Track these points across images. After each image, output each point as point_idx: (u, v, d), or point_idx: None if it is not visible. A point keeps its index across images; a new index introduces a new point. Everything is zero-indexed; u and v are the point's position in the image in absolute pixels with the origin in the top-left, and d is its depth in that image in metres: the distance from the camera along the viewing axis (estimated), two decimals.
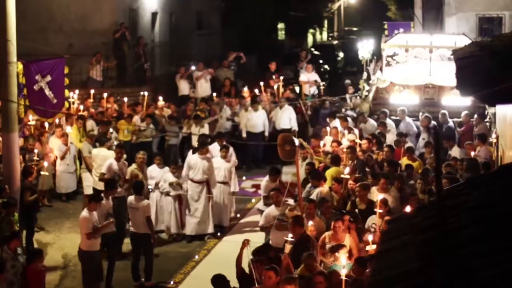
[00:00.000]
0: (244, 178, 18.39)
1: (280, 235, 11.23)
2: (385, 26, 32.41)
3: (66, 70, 14.58)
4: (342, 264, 9.48)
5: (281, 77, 22.49)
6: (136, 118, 18.50)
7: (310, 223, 11.06)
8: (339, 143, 15.39)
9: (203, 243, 14.55)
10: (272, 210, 12.11)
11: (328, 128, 17.06)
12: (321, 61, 33.03)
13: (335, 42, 42.44)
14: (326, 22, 55.18)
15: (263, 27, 38.86)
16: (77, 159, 16.74)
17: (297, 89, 23.56)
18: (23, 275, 10.70)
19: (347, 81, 24.23)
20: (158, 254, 13.48)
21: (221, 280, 9.40)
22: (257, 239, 11.75)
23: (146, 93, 19.71)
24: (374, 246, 9.62)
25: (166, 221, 14.64)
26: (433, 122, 17.21)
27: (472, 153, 14.49)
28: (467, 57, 8.88)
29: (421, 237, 5.21)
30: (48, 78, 13.92)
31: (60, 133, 16.33)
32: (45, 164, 14.11)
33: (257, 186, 15.42)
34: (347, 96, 22.34)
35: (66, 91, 15.15)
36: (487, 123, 17.16)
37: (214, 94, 21.56)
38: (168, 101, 20.65)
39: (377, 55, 21.93)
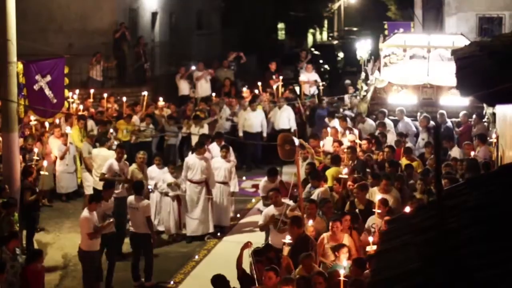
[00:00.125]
0: (244, 178, 18.38)
1: (280, 236, 11.24)
2: (385, 26, 32.46)
3: (66, 70, 14.58)
4: (343, 264, 9.48)
5: (281, 77, 22.46)
6: (135, 118, 18.50)
7: (310, 223, 11.06)
8: (341, 143, 15.39)
9: (203, 243, 14.55)
10: (271, 209, 12.11)
11: (329, 129, 17.04)
12: (321, 61, 33.05)
13: (335, 42, 42.48)
14: (326, 22, 55.21)
15: (263, 27, 38.89)
16: (78, 159, 16.72)
17: (297, 89, 23.56)
18: (23, 275, 10.69)
19: (347, 81, 24.23)
20: (157, 254, 13.47)
21: (221, 280, 9.40)
22: (257, 239, 11.76)
23: (146, 93, 19.71)
24: (375, 247, 9.62)
25: (165, 222, 14.64)
26: (432, 122, 17.20)
27: (472, 153, 14.48)
28: (467, 57, 8.88)
29: (421, 237, 5.21)
30: (48, 78, 13.92)
31: (59, 133, 16.33)
32: (45, 163, 14.10)
33: (257, 186, 15.41)
34: (346, 96, 22.32)
35: (66, 91, 15.15)
36: (485, 123, 17.15)
37: (213, 94, 21.55)
38: (168, 101, 20.64)
39: (375, 55, 21.89)
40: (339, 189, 12.85)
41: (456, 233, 4.90)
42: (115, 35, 23.08)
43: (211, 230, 14.74)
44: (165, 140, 19.09)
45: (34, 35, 20.44)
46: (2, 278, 10.12)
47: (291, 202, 12.24)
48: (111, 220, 12.05)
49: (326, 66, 33.56)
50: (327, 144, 16.10)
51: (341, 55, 38.92)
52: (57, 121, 16.70)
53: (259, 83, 21.91)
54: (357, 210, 11.92)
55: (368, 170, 14.06)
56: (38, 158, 14.46)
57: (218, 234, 14.92)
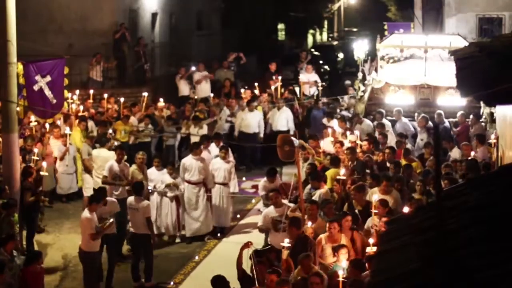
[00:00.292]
0: (244, 179, 18.38)
1: (279, 237, 11.24)
2: (385, 27, 32.45)
3: (66, 71, 14.58)
4: (342, 265, 9.48)
5: (280, 78, 22.44)
6: (133, 119, 18.48)
7: (309, 224, 11.06)
8: (342, 144, 15.38)
9: (203, 244, 14.55)
10: (270, 211, 12.11)
11: (329, 130, 17.03)
12: (321, 62, 33.06)
13: (335, 42, 42.55)
14: (326, 22, 55.25)
15: (263, 27, 38.90)
16: (79, 160, 16.66)
17: (297, 90, 23.55)
18: (22, 277, 10.67)
19: (347, 82, 24.21)
20: (157, 255, 13.46)
21: (221, 281, 9.40)
22: (257, 240, 11.76)
23: (146, 94, 19.70)
24: (375, 248, 9.61)
25: (164, 223, 14.62)
26: (430, 123, 17.18)
27: (472, 153, 14.47)
28: (467, 57, 8.89)
29: (420, 237, 5.21)
30: (48, 78, 13.92)
31: (59, 134, 16.31)
32: (44, 164, 14.10)
33: (257, 187, 15.41)
34: (346, 97, 22.30)
35: (65, 92, 15.14)
36: (483, 123, 17.15)
37: (211, 95, 21.51)
38: (168, 101, 20.64)
39: (372, 55, 21.87)
40: (339, 190, 12.85)
41: (456, 233, 4.90)
42: (115, 35, 23.08)
43: (210, 229, 14.73)
44: (163, 140, 19.08)
45: (34, 36, 20.43)
46: (2, 278, 10.10)
47: (290, 204, 12.24)
48: (111, 220, 12.04)
49: (326, 67, 33.58)
50: (325, 144, 16.08)
51: (341, 55, 38.95)
52: (58, 122, 16.70)
53: (256, 84, 21.92)
54: (356, 211, 11.92)
55: (367, 171, 14.04)
56: (38, 158, 14.46)
57: (218, 234, 14.92)
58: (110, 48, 23.14)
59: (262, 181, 14.10)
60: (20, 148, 14.06)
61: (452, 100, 18.10)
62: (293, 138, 12.31)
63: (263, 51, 33.87)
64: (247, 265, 10.07)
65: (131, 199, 12.87)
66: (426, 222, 5.47)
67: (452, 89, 18.07)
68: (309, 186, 13.00)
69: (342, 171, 13.18)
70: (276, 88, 21.76)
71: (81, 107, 18.71)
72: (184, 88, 22.75)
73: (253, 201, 16.66)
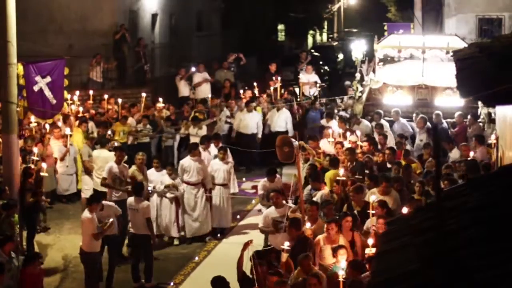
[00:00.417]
0: (244, 179, 18.38)
1: (280, 238, 11.25)
2: (385, 28, 32.48)
3: (66, 71, 14.58)
4: (341, 266, 9.48)
5: (279, 78, 22.44)
6: (131, 120, 18.48)
7: (308, 225, 11.06)
8: (343, 145, 15.37)
9: (203, 244, 14.56)
10: (271, 211, 12.12)
11: (330, 130, 17.03)
12: (321, 63, 33.06)
13: (335, 43, 42.48)
14: (326, 23, 55.26)
15: (263, 28, 38.90)
16: (80, 161, 16.65)
17: (297, 90, 23.54)
18: (20, 278, 10.64)
19: (347, 83, 24.20)
20: (157, 255, 13.48)
21: (221, 282, 9.40)
22: (258, 240, 11.75)
23: (144, 94, 19.68)
24: (374, 250, 9.61)
25: (164, 224, 14.61)
26: (428, 124, 17.18)
27: (472, 154, 14.46)
28: (467, 58, 8.90)
29: (420, 238, 5.21)
30: (48, 79, 13.91)
31: (59, 134, 16.31)
32: (44, 165, 14.11)
33: (257, 187, 15.41)
34: (346, 97, 22.29)
35: (65, 93, 15.13)
36: (480, 123, 17.15)
37: (209, 96, 21.48)
38: (168, 102, 20.63)
39: (370, 56, 21.88)
40: (338, 190, 12.84)
41: (456, 234, 4.90)
42: (115, 36, 23.09)
43: (209, 229, 14.73)
44: (163, 141, 19.08)
45: (34, 36, 20.45)
46: (1, 279, 10.09)
47: (292, 205, 12.24)
48: (111, 220, 12.02)
49: (326, 67, 33.58)
50: (323, 145, 16.07)
51: (341, 56, 38.95)
52: (59, 123, 16.70)
53: (255, 84, 21.92)
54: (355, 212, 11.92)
55: (366, 171, 14.04)
56: (37, 159, 14.46)
57: (218, 235, 14.92)
58: (110, 48, 23.15)
59: (262, 181, 14.12)
60: (20, 148, 14.06)
61: (450, 101, 18.11)
62: (292, 139, 12.31)
63: (263, 52, 33.88)
64: (246, 266, 10.06)
65: (131, 199, 12.88)
66: (426, 222, 5.47)
67: (449, 89, 18.08)
68: (309, 187, 13.01)
69: (341, 171, 13.18)
70: (275, 89, 21.75)
71: (81, 108, 18.71)
72: (184, 89, 22.75)
73: (253, 201, 16.67)
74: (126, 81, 23.68)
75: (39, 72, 13.79)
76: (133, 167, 14.39)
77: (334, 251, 10.26)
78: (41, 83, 13.80)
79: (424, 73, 18.78)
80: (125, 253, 13.66)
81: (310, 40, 49.62)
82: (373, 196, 11.72)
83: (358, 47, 30.56)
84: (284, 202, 12.36)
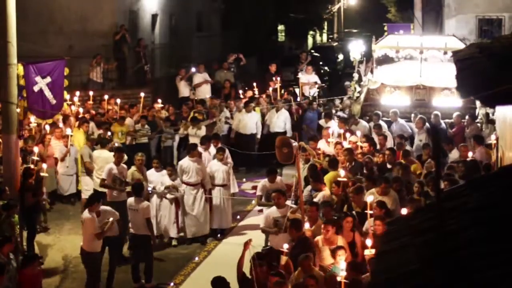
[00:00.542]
0: (244, 180, 18.38)
1: (280, 238, 11.25)
2: (385, 28, 32.46)
3: (66, 72, 14.58)
4: (341, 266, 9.48)
5: (279, 79, 22.44)
6: (129, 120, 18.47)
7: (307, 226, 11.06)
8: (343, 145, 15.36)
9: (203, 245, 14.55)
10: (272, 211, 12.11)
11: (330, 130, 17.03)
12: (321, 63, 33.06)
13: (335, 44, 42.50)
14: (326, 24, 55.27)
15: (263, 28, 38.90)
16: (80, 162, 16.62)
17: (297, 91, 23.54)
18: (19, 279, 10.62)
19: (347, 83, 24.15)
20: (157, 256, 13.47)
21: (221, 282, 9.40)
22: (258, 241, 11.75)
23: (142, 95, 19.68)
24: (373, 251, 9.61)
25: (164, 225, 14.61)
26: (427, 124, 17.17)
27: (470, 154, 14.45)
28: (467, 58, 8.90)
29: (420, 239, 5.21)
30: (48, 79, 13.92)
31: (60, 134, 16.31)
32: (44, 166, 14.10)
33: (257, 188, 15.41)
34: (345, 97, 22.28)
35: (65, 93, 15.13)
36: (478, 124, 17.14)
37: (207, 96, 21.46)
38: (168, 103, 20.63)
39: (368, 56, 21.88)
40: (338, 191, 12.83)
41: (456, 234, 4.90)
42: (115, 37, 23.09)
43: (207, 231, 14.73)
44: (162, 142, 19.08)
45: (34, 37, 20.46)
46: (1, 279, 10.09)
47: (293, 205, 12.24)
48: (111, 219, 12.01)
49: (326, 68, 33.58)
50: (321, 145, 16.06)
51: (340, 57, 38.95)
52: (60, 125, 16.69)
53: (254, 84, 21.92)
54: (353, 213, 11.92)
55: (365, 172, 14.02)
56: (38, 159, 14.47)
57: (218, 235, 14.93)
58: (110, 49, 23.15)
59: (262, 181, 14.09)
60: (20, 149, 14.07)
61: (448, 101, 18.10)
62: (292, 140, 12.31)
63: (263, 52, 33.88)
64: (246, 266, 10.06)
65: (131, 200, 12.88)
66: (426, 223, 5.48)
67: (447, 89, 18.08)
68: (309, 187, 13.01)
69: (342, 172, 13.17)
70: (275, 89, 21.75)
71: (81, 109, 18.70)
72: (184, 90, 22.75)
73: (253, 202, 16.65)
74: (126, 81, 23.68)
75: (39, 73, 13.80)
76: (133, 168, 14.38)
77: (333, 252, 10.27)
78: (41, 83, 13.81)
79: (422, 74, 18.77)
80: (125, 253, 13.65)
81: (310, 40, 49.64)
82: (371, 197, 11.71)
83: (356, 48, 30.48)
84: (285, 202, 12.35)
